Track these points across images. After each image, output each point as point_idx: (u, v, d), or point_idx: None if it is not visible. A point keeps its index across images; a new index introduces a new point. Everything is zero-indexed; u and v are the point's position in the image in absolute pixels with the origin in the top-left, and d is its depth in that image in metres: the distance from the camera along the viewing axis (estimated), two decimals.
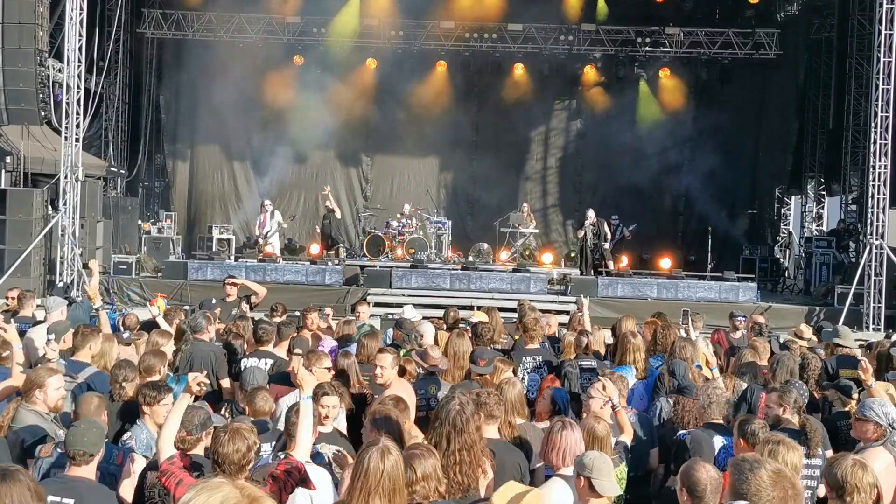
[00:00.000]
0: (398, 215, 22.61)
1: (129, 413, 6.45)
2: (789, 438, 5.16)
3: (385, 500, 4.10)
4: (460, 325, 10.13)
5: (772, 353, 9.12)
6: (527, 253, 22.33)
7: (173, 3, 24.19)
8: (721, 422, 6.41)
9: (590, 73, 24.93)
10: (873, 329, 17.65)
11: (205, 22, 23.96)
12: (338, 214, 22.71)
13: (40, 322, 9.60)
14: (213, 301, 11.76)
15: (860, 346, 9.61)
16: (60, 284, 17.64)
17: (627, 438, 6.22)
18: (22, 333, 9.32)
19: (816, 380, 8.22)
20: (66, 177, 18.20)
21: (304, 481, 4.89)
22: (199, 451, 5.35)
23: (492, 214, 23.79)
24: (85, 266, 17.25)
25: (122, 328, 10.17)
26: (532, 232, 22.87)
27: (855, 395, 7.12)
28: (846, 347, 9.01)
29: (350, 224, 25.22)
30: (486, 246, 22.57)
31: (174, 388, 6.61)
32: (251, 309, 11.67)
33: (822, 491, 5.75)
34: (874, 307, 18.14)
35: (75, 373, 7.29)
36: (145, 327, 10.00)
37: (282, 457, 5.12)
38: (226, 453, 4.54)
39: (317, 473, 5.10)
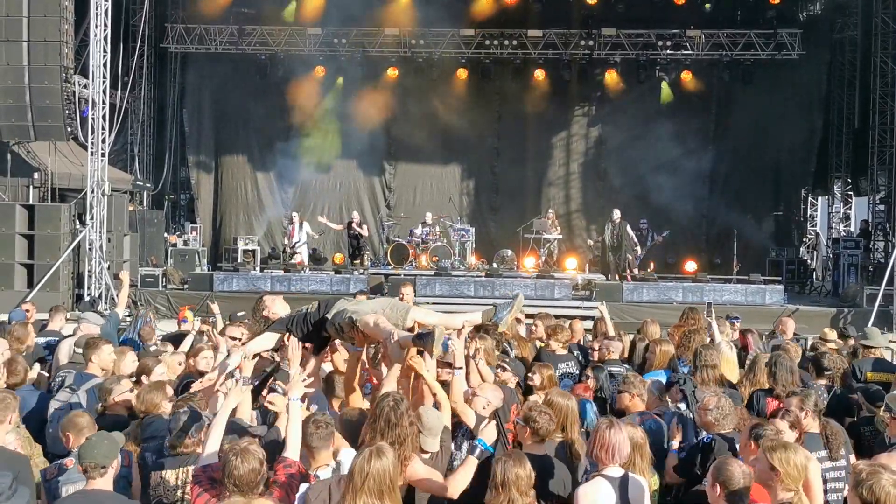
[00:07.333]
0: (421, 223, 22.68)
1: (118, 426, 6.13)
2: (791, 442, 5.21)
3: (375, 499, 4.40)
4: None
5: (803, 355, 9.01)
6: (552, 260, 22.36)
7: (196, 17, 24.39)
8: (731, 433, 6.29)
9: (610, 77, 24.83)
10: None
11: (227, 35, 24.19)
12: (364, 232, 23.00)
13: (68, 336, 9.68)
14: (241, 313, 11.74)
15: (887, 348, 9.45)
16: (88, 298, 17.81)
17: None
18: (50, 347, 9.48)
19: (842, 382, 8.13)
20: (92, 191, 18.39)
21: (306, 478, 5.00)
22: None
23: (515, 221, 23.79)
24: (116, 276, 17.40)
25: (140, 340, 10.23)
26: (556, 238, 22.84)
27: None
28: (874, 349, 8.87)
29: (374, 233, 25.29)
30: (509, 252, 22.57)
31: None
32: None
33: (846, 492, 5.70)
34: None
35: (77, 385, 7.21)
36: (171, 340, 10.08)
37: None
38: (241, 475, 4.59)
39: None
